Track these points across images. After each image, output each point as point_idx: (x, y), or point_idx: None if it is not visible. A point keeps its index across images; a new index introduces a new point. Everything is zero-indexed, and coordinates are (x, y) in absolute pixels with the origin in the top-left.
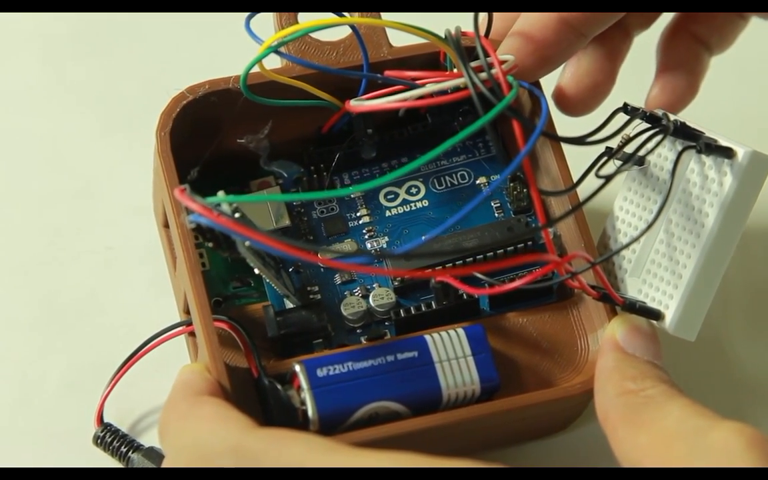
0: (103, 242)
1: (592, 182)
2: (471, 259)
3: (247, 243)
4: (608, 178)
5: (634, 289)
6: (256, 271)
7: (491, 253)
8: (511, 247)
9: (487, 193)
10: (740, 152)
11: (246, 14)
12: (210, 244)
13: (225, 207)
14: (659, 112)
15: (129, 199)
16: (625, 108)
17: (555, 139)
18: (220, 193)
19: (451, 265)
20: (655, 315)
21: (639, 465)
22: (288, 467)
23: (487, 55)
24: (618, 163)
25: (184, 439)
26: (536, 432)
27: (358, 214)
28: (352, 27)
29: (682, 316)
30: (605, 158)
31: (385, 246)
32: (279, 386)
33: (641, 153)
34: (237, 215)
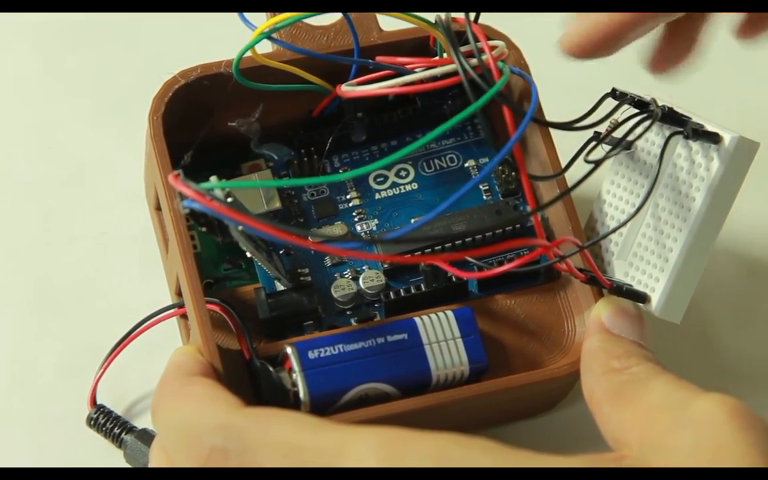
0: (96, 227)
1: (580, 167)
2: (460, 242)
3: (239, 227)
4: (597, 163)
5: (621, 271)
6: (248, 254)
7: (479, 236)
8: (500, 230)
9: (478, 179)
10: (727, 137)
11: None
12: (203, 229)
13: (218, 192)
14: (647, 98)
15: (122, 184)
16: (614, 93)
17: (544, 125)
18: (213, 178)
19: (440, 248)
20: (641, 298)
21: (624, 440)
22: (275, 444)
23: (477, 40)
24: (606, 148)
25: (173, 418)
26: (524, 412)
27: (347, 197)
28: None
29: (668, 298)
30: (593, 143)
31: (374, 228)
32: (270, 368)
33: (629, 138)
34: (229, 200)
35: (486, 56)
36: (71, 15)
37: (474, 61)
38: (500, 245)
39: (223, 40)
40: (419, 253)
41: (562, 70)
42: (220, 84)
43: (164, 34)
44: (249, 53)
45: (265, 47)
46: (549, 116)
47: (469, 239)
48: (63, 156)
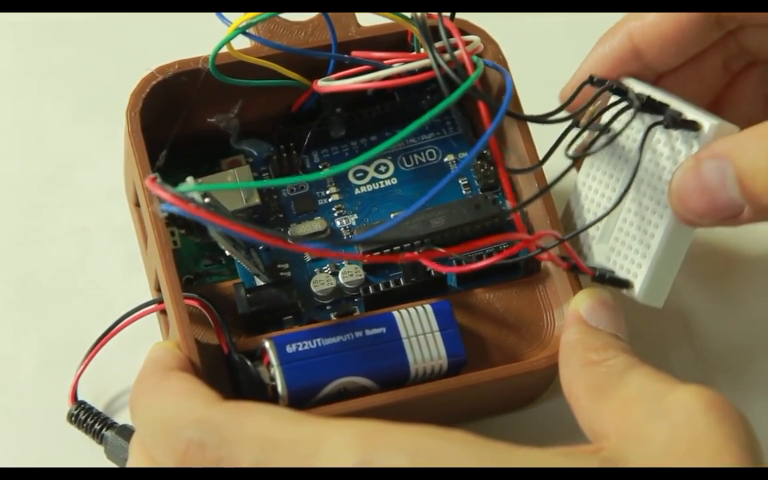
0: (78, 223)
1: (559, 159)
2: (440, 237)
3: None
4: (575, 160)
5: (602, 256)
6: (227, 252)
7: (459, 231)
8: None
9: (453, 174)
10: (706, 125)
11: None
12: (182, 230)
13: (195, 194)
14: (625, 85)
15: (104, 181)
16: (591, 80)
17: (519, 119)
18: (190, 179)
19: (419, 243)
20: (624, 284)
21: (602, 432)
22: (252, 437)
23: (450, 36)
24: (584, 135)
25: (151, 412)
26: (503, 406)
27: (327, 193)
28: None
29: (650, 284)
30: (572, 129)
31: (354, 223)
32: (249, 362)
33: (609, 132)
34: (207, 200)
35: (459, 51)
36: (53, 15)
37: (447, 56)
38: (481, 241)
39: (206, 37)
40: (398, 249)
41: (548, 67)
42: (197, 80)
43: (148, 32)
44: (226, 49)
45: (245, 43)
46: (533, 112)
47: (448, 234)
48: (45, 153)
